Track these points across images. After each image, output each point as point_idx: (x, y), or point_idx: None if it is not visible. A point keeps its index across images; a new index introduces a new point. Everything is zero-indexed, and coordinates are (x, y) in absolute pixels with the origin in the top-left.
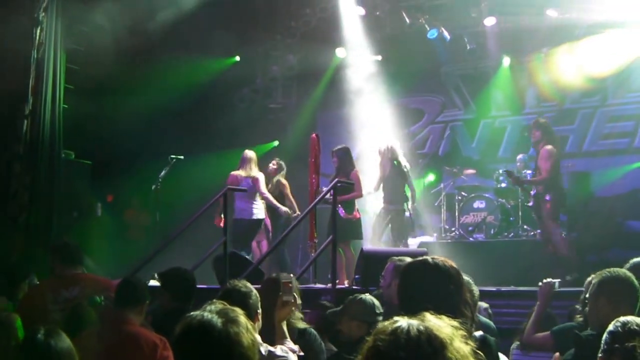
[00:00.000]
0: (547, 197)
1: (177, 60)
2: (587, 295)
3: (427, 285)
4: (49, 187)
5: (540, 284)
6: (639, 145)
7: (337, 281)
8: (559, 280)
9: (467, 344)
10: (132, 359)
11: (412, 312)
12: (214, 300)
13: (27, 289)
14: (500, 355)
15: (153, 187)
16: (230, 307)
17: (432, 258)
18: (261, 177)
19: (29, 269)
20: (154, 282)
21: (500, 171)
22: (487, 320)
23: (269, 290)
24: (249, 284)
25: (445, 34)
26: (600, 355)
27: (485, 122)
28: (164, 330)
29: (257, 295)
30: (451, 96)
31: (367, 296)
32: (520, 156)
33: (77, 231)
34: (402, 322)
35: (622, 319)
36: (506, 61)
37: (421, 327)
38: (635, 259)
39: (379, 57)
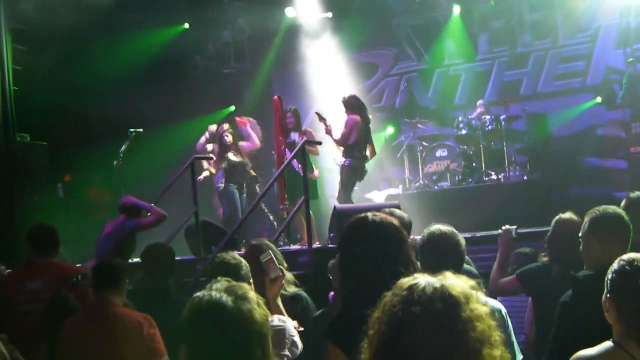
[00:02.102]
0: (346, 163)
1: (127, 33)
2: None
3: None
4: (7, 172)
5: (499, 231)
6: (591, 83)
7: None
8: (516, 227)
9: (484, 305)
10: (119, 341)
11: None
12: (219, 278)
13: None
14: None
15: (115, 163)
16: (236, 283)
17: (373, 215)
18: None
19: None
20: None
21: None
22: (468, 267)
23: (253, 270)
24: (237, 256)
25: None
26: (608, 296)
27: (439, 72)
28: (147, 308)
29: (247, 265)
30: (404, 48)
31: None
32: (480, 102)
33: (40, 215)
34: (421, 279)
35: (626, 257)
36: (457, 10)
37: (437, 285)
38: (633, 194)
39: (330, 14)
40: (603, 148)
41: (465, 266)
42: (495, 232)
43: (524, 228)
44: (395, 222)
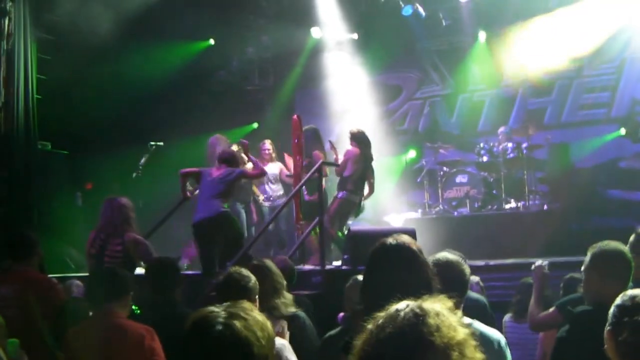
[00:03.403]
0: (339, 195)
1: (152, 46)
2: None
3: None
4: (27, 179)
5: (532, 267)
6: (615, 115)
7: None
8: (548, 261)
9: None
10: (120, 352)
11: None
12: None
13: None
14: (489, 329)
15: (134, 174)
16: (241, 303)
17: (393, 239)
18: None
19: None
20: (140, 270)
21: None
22: (477, 295)
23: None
24: (245, 271)
25: (420, 10)
26: (608, 329)
27: (463, 97)
28: (151, 320)
29: (255, 281)
30: (428, 72)
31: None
32: (502, 129)
33: (58, 222)
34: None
35: (630, 292)
36: (482, 36)
37: (417, 306)
38: None
39: (355, 36)
40: (625, 180)
41: (473, 294)
42: (509, 261)
43: (542, 257)
44: (414, 245)
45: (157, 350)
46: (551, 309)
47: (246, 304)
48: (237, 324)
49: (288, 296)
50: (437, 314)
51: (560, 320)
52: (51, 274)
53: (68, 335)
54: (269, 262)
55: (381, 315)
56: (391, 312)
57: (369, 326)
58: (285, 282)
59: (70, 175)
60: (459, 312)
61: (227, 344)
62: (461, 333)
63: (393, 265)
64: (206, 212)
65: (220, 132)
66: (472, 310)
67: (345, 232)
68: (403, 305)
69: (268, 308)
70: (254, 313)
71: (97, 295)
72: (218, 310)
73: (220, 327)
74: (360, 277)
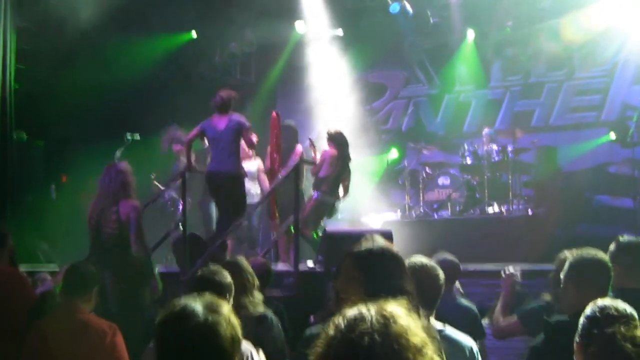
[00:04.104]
0: (314, 196)
1: (133, 37)
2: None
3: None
4: (1, 170)
5: (502, 275)
6: (606, 118)
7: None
8: (520, 270)
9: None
10: (82, 347)
11: None
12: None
13: None
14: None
15: None
16: (214, 298)
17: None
18: None
19: None
20: None
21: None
22: (469, 304)
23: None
24: (220, 269)
25: (408, 7)
26: (577, 341)
27: (449, 97)
28: (116, 317)
29: (231, 280)
30: (414, 71)
31: None
32: (486, 130)
33: (31, 215)
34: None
35: (600, 302)
36: (470, 35)
37: (372, 307)
38: (622, 238)
39: (340, 31)
40: (614, 186)
41: (465, 302)
42: (489, 266)
43: (525, 264)
44: (386, 248)
45: (119, 347)
46: (513, 317)
47: (219, 300)
48: (214, 318)
49: (258, 296)
50: (400, 317)
51: (520, 330)
52: (21, 267)
53: (31, 329)
54: (241, 260)
55: (345, 318)
56: (354, 312)
57: (332, 329)
58: (257, 282)
59: (46, 167)
60: (431, 317)
61: (205, 337)
62: (419, 337)
63: (369, 270)
64: (222, 165)
65: None
66: (462, 319)
67: (321, 233)
68: (364, 308)
69: (236, 307)
70: (227, 309)
71: (65, 291)
72: (196, 303)
73: (199, 320)
74: None
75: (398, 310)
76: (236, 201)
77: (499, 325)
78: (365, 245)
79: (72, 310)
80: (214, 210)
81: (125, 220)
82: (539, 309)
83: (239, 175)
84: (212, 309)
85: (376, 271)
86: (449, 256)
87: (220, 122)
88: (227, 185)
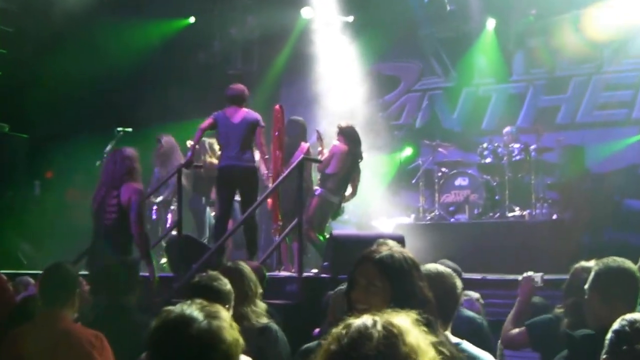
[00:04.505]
0: (317, 192)
1: (124, 22)
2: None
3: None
4: None
5: (520, 278)
6: (637, 116)
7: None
8: (541, 275)
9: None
10: (67, 359)
11: None
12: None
13: None
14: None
15: (97, 163)
16: (211, 304)
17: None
18: None
19: None
20: None
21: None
22: (471, 314)
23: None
24: (218, 275)
25: None
26: (604, 357)
27: (467, 91)
28: (101, 325)
29: (231, 288)
30: (430, 62)
31: None
32: (507, 128)
33: (12, 213)
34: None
35: (629, 316)
36: (491, 23)
37: (376, 319)
38: None
39: (350, 18)
40: None
41: (467, 312)
42: (510, 277)
43: (548, 274)
44: (405, 254)
45: (107, 356)
46: (522, 328)
47: (216, 305)
48: (215, 323)
49: (261, 305)
50: (409, 334)
51: (528, 342)
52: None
53: (7, 338)
54: (243, 265)
55: (348, 332)
56: (359, 326)
57: (333, 342)
58: (260, 290)
59: (29, 162)
60: (447, 331)
61: (209, 344)
62: (429, 358)
63: (393, 277)
64: (238, 160)
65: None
66: (465, 330)
67: (327, 236)
68: (370, 321)
69: (236, 317)
70: (225, 314)
71: (43, 296)
72: (193, 309)
73: (199, 326)
74: None
75: (408, 325)
76: (254, 198)
77: (509, 335)
78: (385, 249)
79: (53, 318)
80: (207, 211)
81: (126, 205)
82: (547, 322)
83: (256, 171)
84: (211, 314)
85: (400, 279)
86: (450, 264)
87: (235, 116)
88: (243, 181)
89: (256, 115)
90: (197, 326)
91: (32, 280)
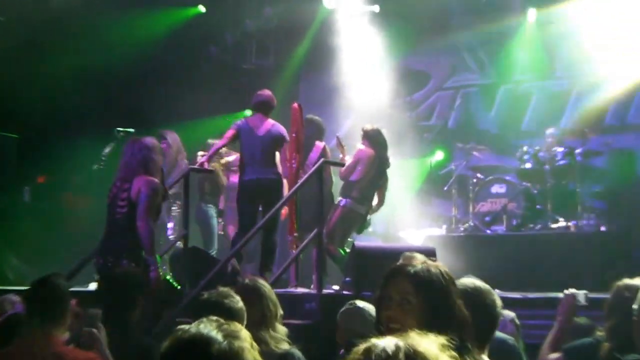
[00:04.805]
0: (341, 202)
1: (126, 11)
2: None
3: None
4: None
5: (562, 295)
6: None
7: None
8: (585, 293)
9: None
10: None
11: None
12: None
13: None
14: None
15: (95, 166)
16: (228, 321)
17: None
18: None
19: None
20: (94, 285)
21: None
22: (504, 336)
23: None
24: (231, 292)
25: None
26: None
27: (505, 88)
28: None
29: (243, 306)
30: (463, 57)
31: (366, 304)
32: (550, 130)
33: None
34: (379, 340)
35: None
36: (532, 14)
37: (399, 343)
38: None
39: (376, 8)
40: None
41: (500, 334)
42: (554, 295)
43: (594, 292)
44: (441, 268)
45: None
46: (560, 353)
47: (238, 325)
48: (237, 344)
49: (281, 329)
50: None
51: None
52: None
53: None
54: (262, 283)
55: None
56: (380, 354)
57: None
58: (280, 312)
59: (19, 165)
60: (484, 354)
61: None
62: None
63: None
64: (263, 173)
65: (207, 119)
66: (495, 353)
67: (348, 250)
68: (392, 347)
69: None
70: (246, 333)
71: (30, 314)
72: (210, 327)
73: (220, 347)
74: (360, 303)
75: (434, 351)
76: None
77: (545, 359)
78: (419, 262)
79: (41, 339)
80: (215, 222)
81: (135, 198)
82: (586, 346)
83: (282, 183)
84: (231, 333)
85: (437, 296)
86: (477, 282)
87: (260, 127)
88: (268, 194)
89: (282, 129)
90: (217, 347)
91: (16, 299)
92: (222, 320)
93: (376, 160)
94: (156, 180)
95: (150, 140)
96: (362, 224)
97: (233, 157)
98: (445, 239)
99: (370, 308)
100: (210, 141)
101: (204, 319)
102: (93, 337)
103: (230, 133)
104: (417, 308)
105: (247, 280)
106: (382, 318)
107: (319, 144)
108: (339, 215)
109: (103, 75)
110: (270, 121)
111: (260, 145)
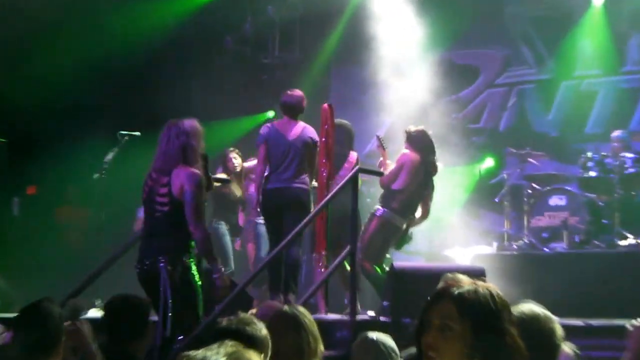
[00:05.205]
0: (378, 212)
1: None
2: None
3: None
4: None
5: (629, 326)
6: None
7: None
8: None
9: None
10: None
11: None
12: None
13: None
14: None
15: (96, 175)
16: (244, 350)
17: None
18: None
19: None
20: (95, 312)
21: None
22: None
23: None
24: (254, 319)
25: None
26: None
27: (567, 85)
28: None
29: (267, 335)
30: (519, 48)
31: (380, 336)
32: (617, 132)
33: None
34: None
35: None
36: (598, 0)
37: None
38: None
39: None
40: None
41: None
42: (621, 322)
43: None
44: (492, 290)
45: None
46: None
47: (252, 353)
48: None
49: None
50: None
51: None
52: None
53: None
54: (302, 313)
55: None
56: None
57: None
58: (321, 348)
59: (8, 173)
60: None
61: None
62: None
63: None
64: (290, 182)
65: (225, 121)
66: None
67: (387, 269)
68: None
69: None
70: None
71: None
72: (220, 354)
73: None
74: (373, 334)
75: None
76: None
77: None
78: (466, 283)
79: None
80: (227, 237)
81: (178, 195)
82: None
83: (309, 193)
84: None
85: (485, 321)
86: (536, 308)
87: (291, 131)
88: (294, 208)
89: (313, 133)
90: None
91: (1, 329)
92: (237, 347)
93: (422, 166)
94: (197, 172)
95: (190, 123)
96: (402, 239)
97: (253, 162)
98: (496, 257)
99: (384, 339)
100: (231, 153)
101: (219, 344)
102: (75, 331)
103: (262, 151)
104: (460, 335)
105: (285, 308)
106: (420, 344)
107: (353, 155)
108: (375, 228)
109: (105, 69)
110: (301, 124)
111: (291, 151)
